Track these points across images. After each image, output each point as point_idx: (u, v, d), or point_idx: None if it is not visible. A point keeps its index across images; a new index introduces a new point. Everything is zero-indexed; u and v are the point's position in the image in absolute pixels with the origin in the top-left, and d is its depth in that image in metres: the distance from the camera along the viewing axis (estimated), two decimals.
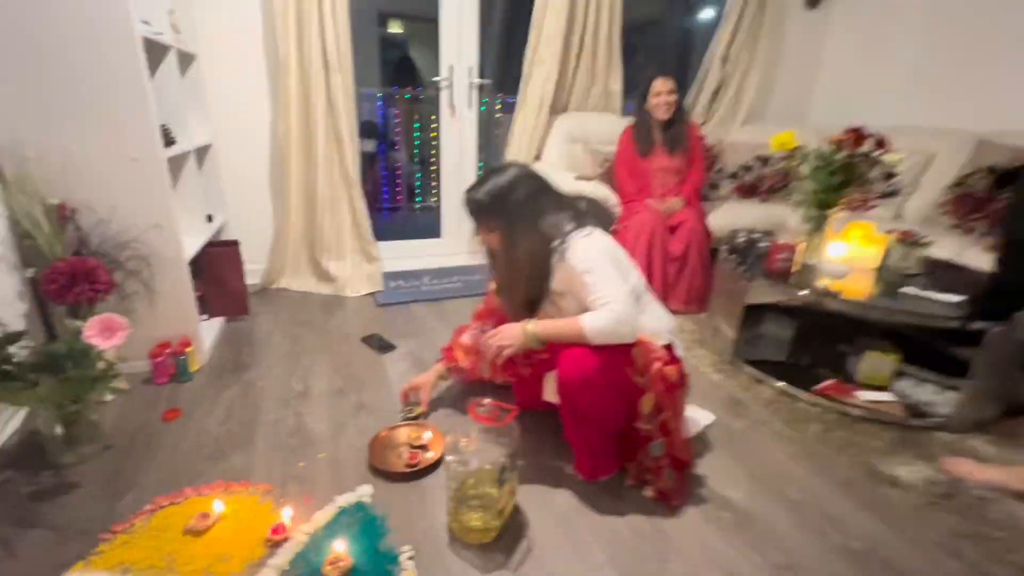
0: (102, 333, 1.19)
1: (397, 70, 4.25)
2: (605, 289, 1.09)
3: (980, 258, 1.84)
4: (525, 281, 1.22)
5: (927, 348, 1.84)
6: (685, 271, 2.22)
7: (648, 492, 1.22)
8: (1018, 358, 1.44)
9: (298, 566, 0.97)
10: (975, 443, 1.45)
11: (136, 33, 1.39)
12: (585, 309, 1.12)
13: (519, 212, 1.17)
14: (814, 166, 1.69)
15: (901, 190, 2.61)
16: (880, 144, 1.63)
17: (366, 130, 3.67)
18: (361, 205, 2.39)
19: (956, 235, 2.17)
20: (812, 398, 1.62)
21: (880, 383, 1.67)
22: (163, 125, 1.66)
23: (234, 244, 1.98)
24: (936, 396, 1.60)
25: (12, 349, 1.15)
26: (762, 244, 1.92)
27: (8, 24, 1.29)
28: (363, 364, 1.78)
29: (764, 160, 2.92)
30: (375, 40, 4.32)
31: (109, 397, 1.41)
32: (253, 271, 2.33)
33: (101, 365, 1.24)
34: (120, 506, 1.11)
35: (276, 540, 1.02)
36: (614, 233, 2.28)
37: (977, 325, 1.40)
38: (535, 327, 1.15)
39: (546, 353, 1.21)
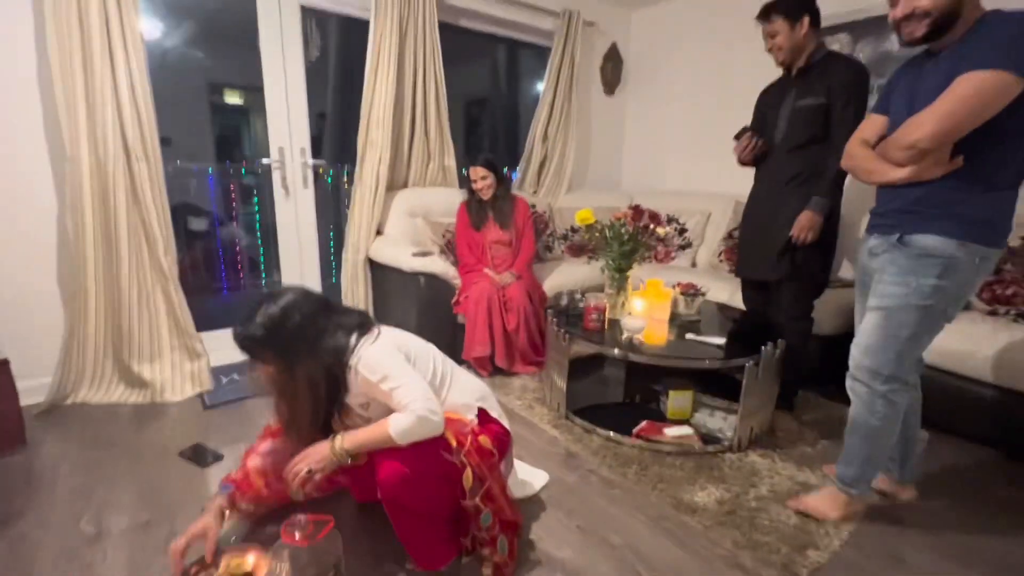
0: None
1: (226, 144, 4.06)
2: (404, 392, 1.13)
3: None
4: (310, 409, 1.19)
5: (721, 379, 2.20)
6: (522, 339, 2.40)
7: (487, 571, 1.25)
8: (767, 384, 1.81)
9: None
10: (753, 458, 1.77)
11: None
12: (392, 411, 1.15)
13: (295, 340, 1.14)
14: (608, 237, 2.00)
15: (692, 243, 3.15)
16: (653, 218, 1.99)
17: (195, 208, 3.41)
18: (179, 298, 2.18)
19: (730, 280, 2.67)
20: (633, 441, 1.84)
21: (685, 416, 1.95)
22: None
23: (1, 364, 1.66)
24: (723, 422, 1.92)
25: None
26: (581, 304, 2.17)
27: None
28: (179, 484, 1.58)
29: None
30: (206, 112, 4.11)
31: None
32: (36, 388, 1.97)
33: None
34: None
35: None
36: (456, 304, 2.44)
37: (736, 361, 1.73)
38: (343, 442, 1.14)
39: (364, 458, 1.21)
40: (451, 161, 3.04)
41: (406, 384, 1.14)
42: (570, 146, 3.47)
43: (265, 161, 2.65)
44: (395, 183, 2.86)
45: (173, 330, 2.20)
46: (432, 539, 1.25)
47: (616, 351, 1.81)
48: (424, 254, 2.43)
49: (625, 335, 1.87)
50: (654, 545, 1.36)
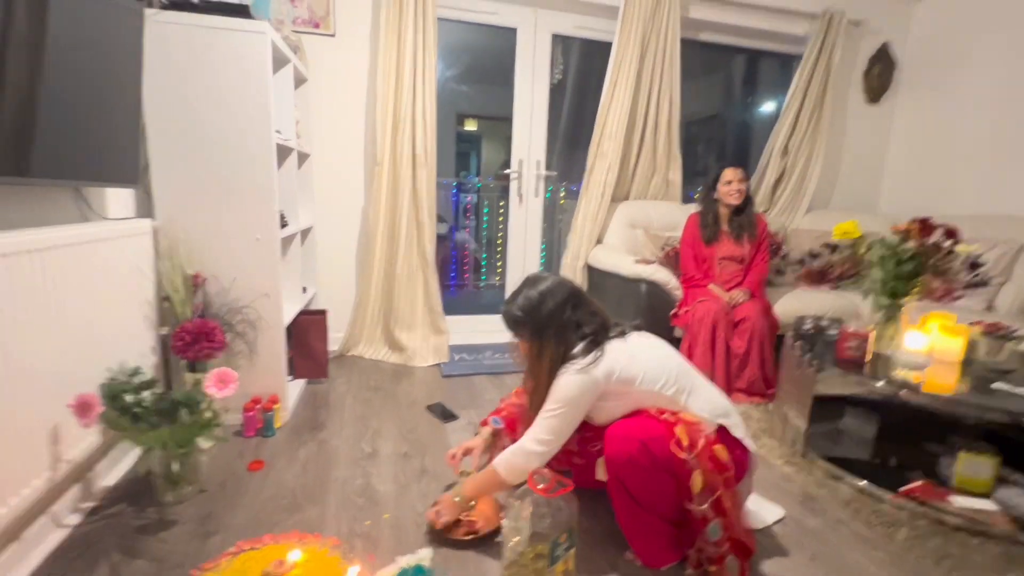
0: (218, 384, 1.37)
1: (461, 163, 4.76)
2: (546, 426, 1.21)
3: None
4: (545, 388, 1.25)
5: None
6: (748, 365, 2.18)
7: None
8: None
9: None
10: None
11: (272, 141, 1.73)
12: (632, 408, 1.20)
13: (547, 324, 1.24)
14: (880, 255, 1.69)
15: (990, 280, 2.47)
16: (950, 234, 1.61)
17: (440, 215, 4.04)
18: (434, 282, 2.61)
19: None
20: (899, 500, 1.49)
21: (979, 489, 1.51)
22: (280, 211, 1.98)
23: (322, 313, 2.21)
24: None
25: (144, 394, 1.35)
26: (831, 331, 1.88)
27: (181, 136, 1.65)
28: (427, 431, 1.86)
29: (832, 247, 2.89)
30: (452, 136, 4.91)
31: (209, 444, 1.57)
32: (333, 338, 2.56)
33: (208, 414, 1.42)
34: (209, 545, 1.21)
35: None
36: (674, 317, 2.35)
37: None
38: (462, 490, 1.29)
39: (598, 444, 1.24)
40: (676, 175, 2.99)
41: (555, 424, 1.20)
42: (815, 161, 3.09)
43: (505, 171, 3.00)
44: (616, 195, 2.93)
45: (426, 308, 2.63)
46: (652, 534, 1.21)
47: (881, 384, 1.51)
48: (646, 262, 2.42)
49: (900, 372, 1.54)
50: None
